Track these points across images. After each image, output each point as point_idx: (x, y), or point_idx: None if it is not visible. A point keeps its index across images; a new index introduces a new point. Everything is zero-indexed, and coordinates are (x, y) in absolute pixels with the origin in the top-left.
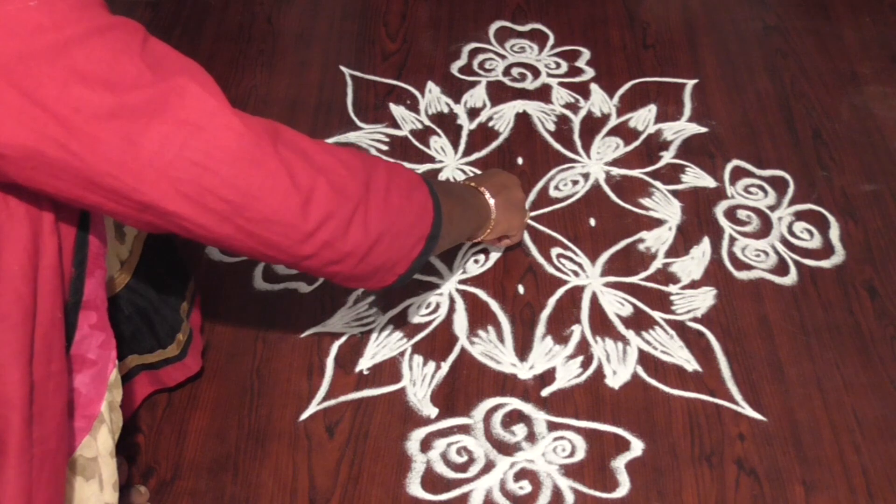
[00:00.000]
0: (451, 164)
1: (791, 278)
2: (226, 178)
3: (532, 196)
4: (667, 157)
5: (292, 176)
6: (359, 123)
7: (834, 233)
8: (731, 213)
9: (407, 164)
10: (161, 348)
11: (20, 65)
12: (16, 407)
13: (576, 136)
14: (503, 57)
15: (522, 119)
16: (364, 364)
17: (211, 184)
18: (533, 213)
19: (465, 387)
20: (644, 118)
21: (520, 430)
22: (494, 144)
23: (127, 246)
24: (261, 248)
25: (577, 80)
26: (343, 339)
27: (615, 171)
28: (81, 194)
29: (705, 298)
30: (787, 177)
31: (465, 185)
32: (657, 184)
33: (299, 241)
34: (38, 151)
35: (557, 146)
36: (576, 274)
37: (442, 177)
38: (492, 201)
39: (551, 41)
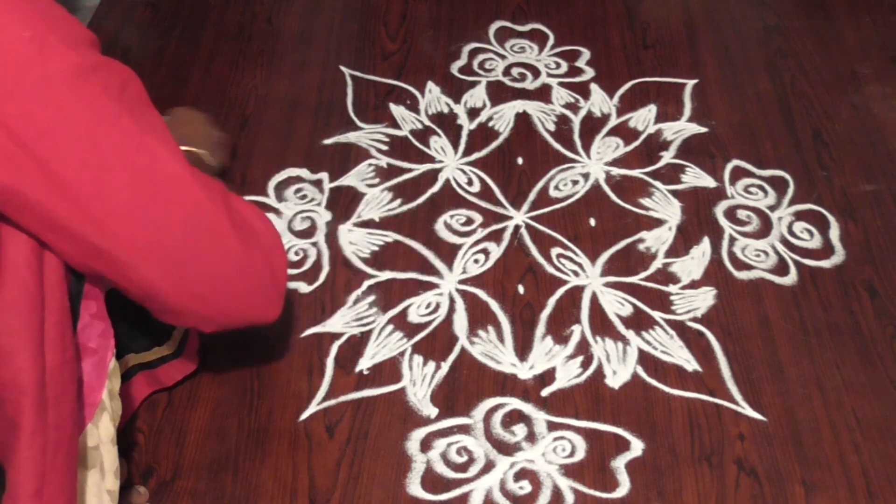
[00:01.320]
0: (451, 164)
1: (791, 278)
2: (180, 237)
3: (532, 196)
4: (667, 157)
5: (238, 238)
6: (359, 123)
7: (834, 233)
8: (731, 213)
9: (407, 164)
10: (157, 346)
11: (7, 103)
12: (27, 392)
13: (576, 136)
14: (503, 57)
15: (522, 119)
16: (364, 364)
17: (166, 240)
18: (533, 213)
19: (465, 387)
20: (644, 118)
21: (520, 430)
22: (494, 144)
23: None
24: (192, 304)
25: (577, 80)
26: (343, 339)
27: (615, 171)
28: (42, 232)
29: (705, 298)
30: (787, 177)
31: None
32: (657, 184)
33: (230, 297)
34: (14, 190)
35: (557, 146)
36: (576, 274)
37: (441, 178)
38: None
39: (551, 41)
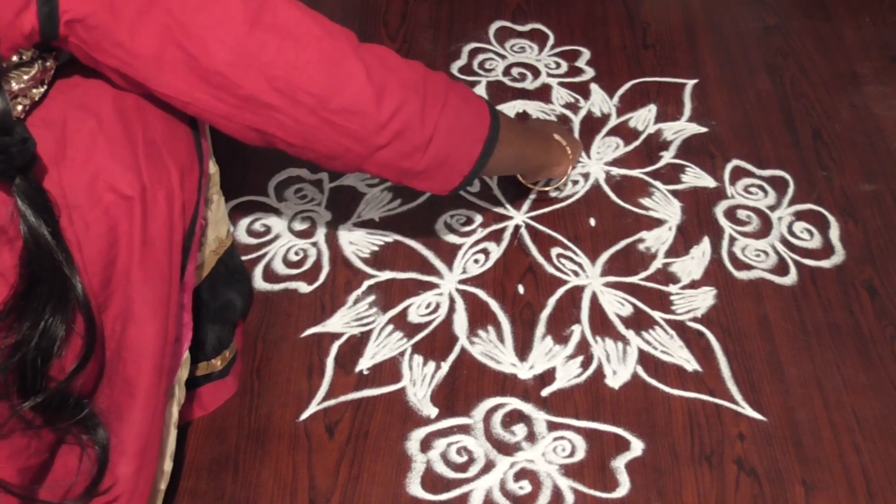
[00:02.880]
0: None
1: (791, 278)
2: (312, 76)
3: (532, 196)
4: (667, 157)
5: (368, 74)
6: None
7: (834, 233)
8: (731, 213)
9: None
10: (206, 360)
11: None
12: (148, 357)
13: (576, 136)
14: (503, 57)
15: (522, 119)
16: (364, 364)
17: (300, 80)
18: (533, 213)
19: (465, 387)
20: (644, 118)
21: (520, 430)
22: None
23: (202, 254)
24: (342, 139)
25: (577, 80)
26: (343, 339)
27: (615, 170)
28: (196, 95)
29: (705, 298)
30: (787, 177)
31: (541, 125)
32: (657, 184)
33: (374, 130)
34: (163, 52)
35: None
36: (576, 274)
37: None
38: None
39: (551, 41)
